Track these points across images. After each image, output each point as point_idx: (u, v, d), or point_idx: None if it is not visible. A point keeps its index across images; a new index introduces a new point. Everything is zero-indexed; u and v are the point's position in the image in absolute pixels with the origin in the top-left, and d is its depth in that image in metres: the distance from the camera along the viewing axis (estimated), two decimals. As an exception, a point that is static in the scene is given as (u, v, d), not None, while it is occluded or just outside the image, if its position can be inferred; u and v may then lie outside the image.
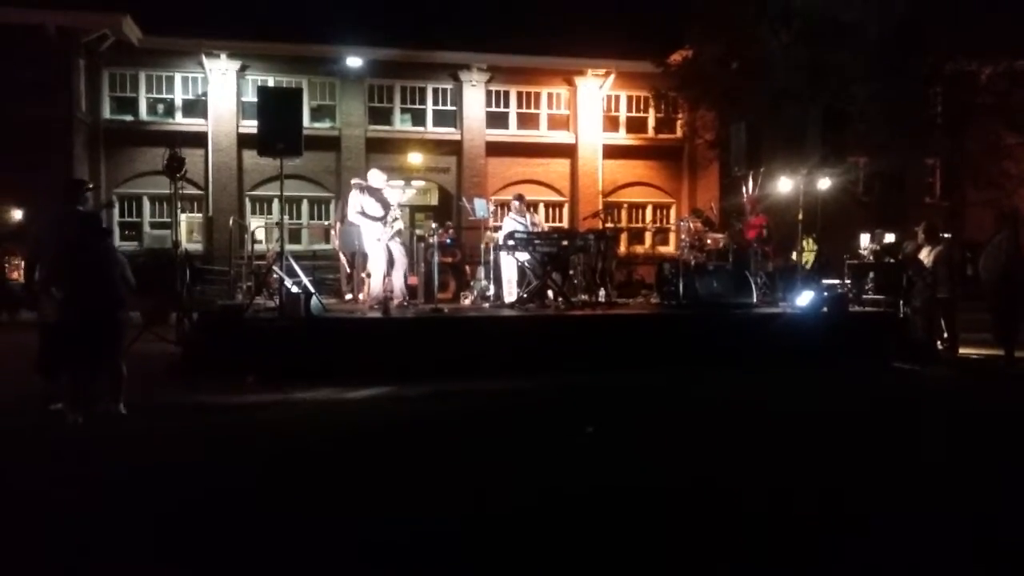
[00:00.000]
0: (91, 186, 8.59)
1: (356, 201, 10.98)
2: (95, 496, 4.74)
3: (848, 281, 11.90)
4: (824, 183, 12.62)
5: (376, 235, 10.80)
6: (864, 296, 11.68)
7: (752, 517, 4.40)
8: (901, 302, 10.78)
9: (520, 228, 11.72)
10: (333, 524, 4.25)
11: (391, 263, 10.90)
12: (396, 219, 11.10)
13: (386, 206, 10.97)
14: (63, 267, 6.67)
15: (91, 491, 4.82)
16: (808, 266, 12.94)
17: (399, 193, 12.18)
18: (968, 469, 5.47)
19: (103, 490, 4.86)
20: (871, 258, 12.49)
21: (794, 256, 12.51)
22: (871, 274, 11.92)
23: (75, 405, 6.57)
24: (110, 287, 6.71)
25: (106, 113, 21.39)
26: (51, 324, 6.85)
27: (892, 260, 11.99)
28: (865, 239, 13.11)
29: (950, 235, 12.25)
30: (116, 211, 20.76)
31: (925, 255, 10.87)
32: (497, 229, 12.63)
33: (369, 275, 11.15)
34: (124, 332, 7.00)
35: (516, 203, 12.36)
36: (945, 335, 10.96)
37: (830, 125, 11.53)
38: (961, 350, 10.98)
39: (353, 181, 11.85)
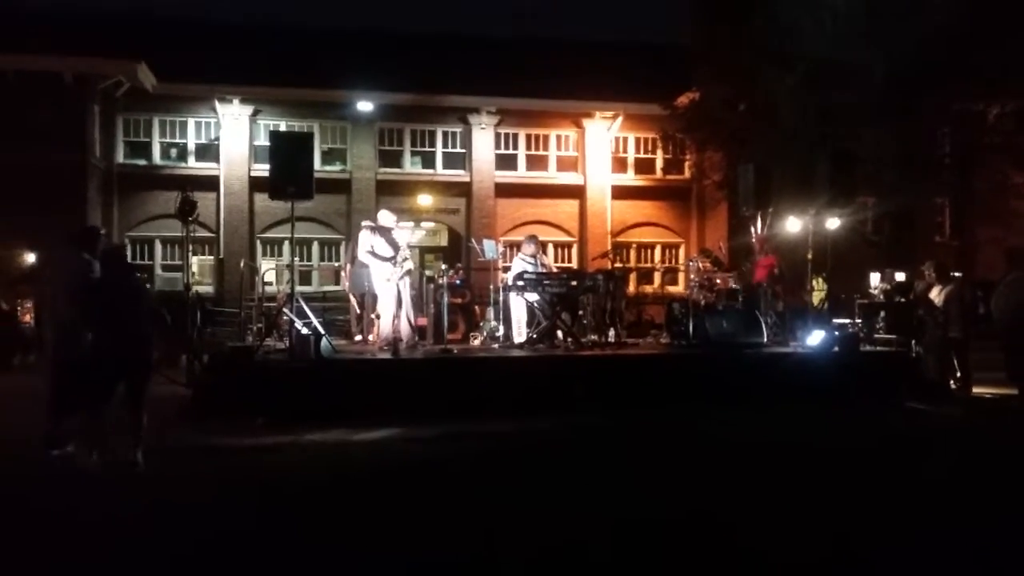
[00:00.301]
0: (103, 232, 8.64)
1: (366, 241, 11.04)
2: (109, 538, 4.73)
3: (859, 320, 11.86)
4: (833, 223, 12.64)
5: (386, 275, 10.83)
6: (875, 336, 11.63)
7: (756, 555, 4.35)
8: (913, 342, 10.73)
9: (529, 268, 11.73)
10: (343, 563, 4.22)
11: (400, 304, 10.91)
12: (406, 259, 11.14)
13: (396, 247, 11.01)
14: (90, 305, 6.62)
15: (105, 533, 4.81)
16: (819, 305, 12.91)
17: (409, 234, 12.25)
18: (977, 509, 5.40)
19: (117, 531, 4.85)
20: (882, 297, 12.47)
21: (804, 296, 12.49)
22: (882, 313, 11.89)
23: (91, 447, 6.55)
24: (138, 325, 6.68)
25: (120, 158, 21.66)
26: (66, 363, 6.83)
27: (903, 299, 11.97)
28: (875, 278, 13.10)
29: (961, 274, 12.20)
30: (128, 254, 20.89)
31: (936, 294, 10.84)
32: (507, 270, 12.64)
33: (379, 316, 11.16)
34: (149, 375, 6.90)
35: (529, 244, 12.31)
36: (958, 374, 10.89)
37: (838, 167, 11.57)
38: (975, 389, 10.89)
39: (364, 223, 11.93)
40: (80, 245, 7.28)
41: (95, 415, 6.57)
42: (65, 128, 19.06)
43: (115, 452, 6.50)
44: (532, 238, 12.53)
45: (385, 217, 11.35)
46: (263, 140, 21.17)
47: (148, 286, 8.11)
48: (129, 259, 7.14)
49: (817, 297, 13.21)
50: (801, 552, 4.51)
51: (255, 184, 21.40)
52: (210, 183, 21.57)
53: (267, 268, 15.92)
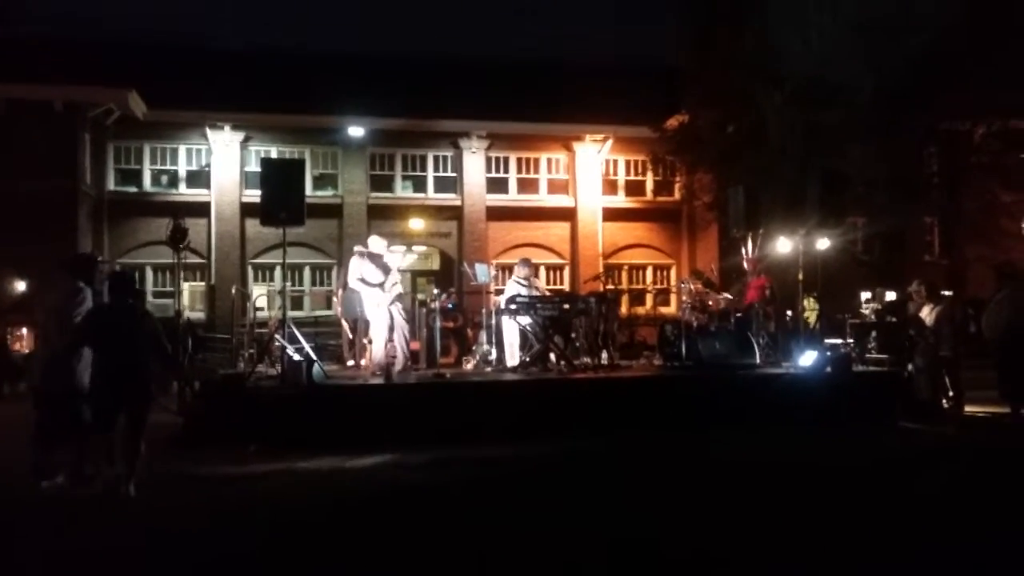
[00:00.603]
0: (100, 258, 8.60)
1: (356, 268, 11.05)
2: (101, 568, 4.68)
3: (851, 341, 11.88)
4: (823, 243, 12.68)
5: (376, 301, 10.83)
6: (867, 355, 11.65)
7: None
8: (909, 363, 10.74)
9: (523, 291, 11.73)
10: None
11: (391, 328, 10.91)
12: (395, 284, 11.15)
13: (386, 271, 11.02)
14: (79, 334, 6.51)
15: (96, 563, 4.75)
16: (813, 325, 12.93)
17: (399, 258, 12.25)
18: (972, 527, 5.39)
19: (107, 561, 4.80)
20: (873, 317, 12.49)
21: (794, 316, 12.50)
22: (873, 333, 11.91)
23: (79, 478, 6.49)
24: (137, 353, 6.50)
25: (110, 185, 21.66)
26: (53, 393, 6.78)
27: (894, 319, 12.00)
28: (866, 298, 13.13)
29: (951, 293, 12.25)
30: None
31: (927, 313, 10.87)
32: (499, 292, 12.64)
33: (371, 341, 11.15)
34: (149, 404, 6.69)
35: (523, 267, 12.29)
36: (950, 393, 10.89)
37: (828, 187, 11.64)
38: (967, 408, 10.89)
39: (355, 248, 11.93)
40: (73, 272, 7.24)
41: (81, 447, 6.49)
42: (55, 156, 19.06)
43: (110, 480, 6.39)
44: (525, 261, 12.53)
45: (375, 243, 11.39)
46: (254, 166, 21.22)
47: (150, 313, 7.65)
48: (136, 285, 7.17)
49: (809, 316, 13.24)
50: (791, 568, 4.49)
51: (246, 210, 21.41)
52: (201, 209, 21.57)
53: (259, 294, 15.90)
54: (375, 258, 11.12)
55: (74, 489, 6.48)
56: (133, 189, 21.83)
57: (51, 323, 6.95)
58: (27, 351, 16.81)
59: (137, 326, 6.62)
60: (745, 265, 13.08)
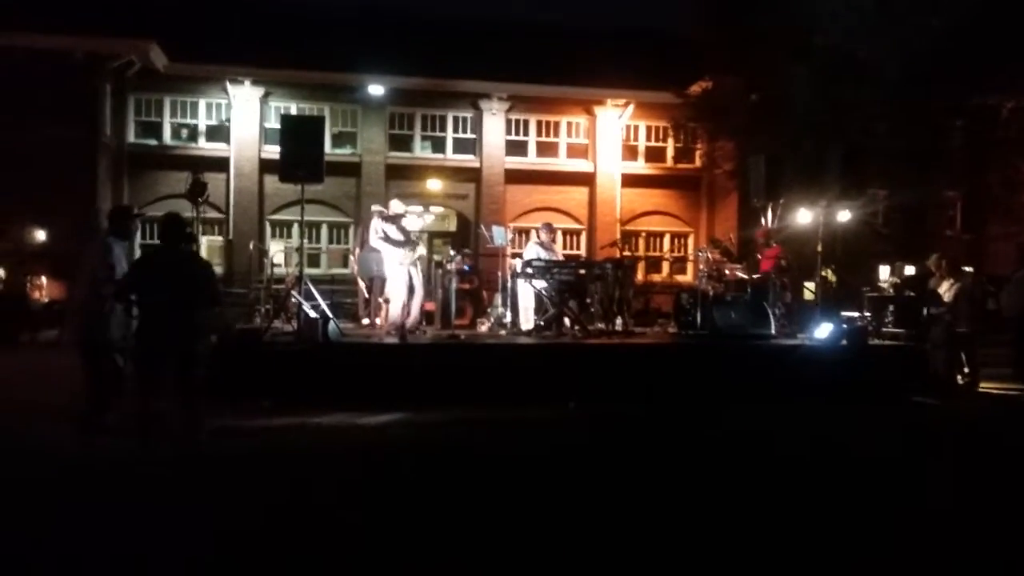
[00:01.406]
0: (136, 211, 8.59)
1: (379, 227, 11.07)
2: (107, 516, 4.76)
3: (868, 314, 11.82)
4: (844, 215, 12.58)
5: (398, 260, 10.87)
6: (883, 329, 11.59)
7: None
8: (923, 336, 10.68)
9: (544, 254, 11.77)
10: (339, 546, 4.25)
11: (411, 289, 10.95)
12: (416, 245, 11.19)
13: (406, 234, 11.05)
14: (135, 281, 6.21)
15: (111, 516, 4.84)
16: (833, 292, 12.83)
17: (419, 221, 12.27)
18: (983, 503, 5.40)
19: (121, 518, 4.88)
20: (891, 291, 12.41)
21: (812, 288, 12.43)
22: (890, 307, 11.83)
23: (94, 427, 6.56)
24: (189, 305, 6.14)
25: (130, 137, 21.68)
26: (87, 347, 6.79)
27: (912, 293, 11.91)
28: (885, 271, 13.03)
29: (972, 269, 12.14)
30: (138, 234, 20.93)
31: (946, 289, 10.79)
32: (516, 256, 12.66)
33: (387, 300, 11.20)
34: (198, 361, 6.23)
35: (545, 231, 12.36)
36: (966, 370, 10.85)
37: (849, 159, 11.50)
38: (982, 385, 10.85)
39: (374, 208, 11.94)
40: (109, 224, 7.29)
41: (141, 405, 6.09)
42: (76, 106, 19.05)
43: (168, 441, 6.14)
44: (548, 225, 12.61)
45: (396, 205, 11.42)
46: (274, 122, 21.18)
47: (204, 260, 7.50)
48: (183, 228, 6.54)
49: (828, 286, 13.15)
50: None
51: (265, 166, 21.42)
52: (220, 164, 21.58)
53: (276, 250, 15.95)
54: (396, 219, 11.14)
55: (87, 436, 6.57)
56: (153, 142, 21.85)
57: (81, 277, 7.01)
58: (47, 300, 16.97)
59: (188, 274, 6.22)
60: (759, 236, 12.96)
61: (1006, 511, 5.31)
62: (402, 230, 11.04)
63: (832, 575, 4.14)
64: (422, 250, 11.44)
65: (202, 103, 22.17)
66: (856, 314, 11.89)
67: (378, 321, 11.88)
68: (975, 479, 6.22)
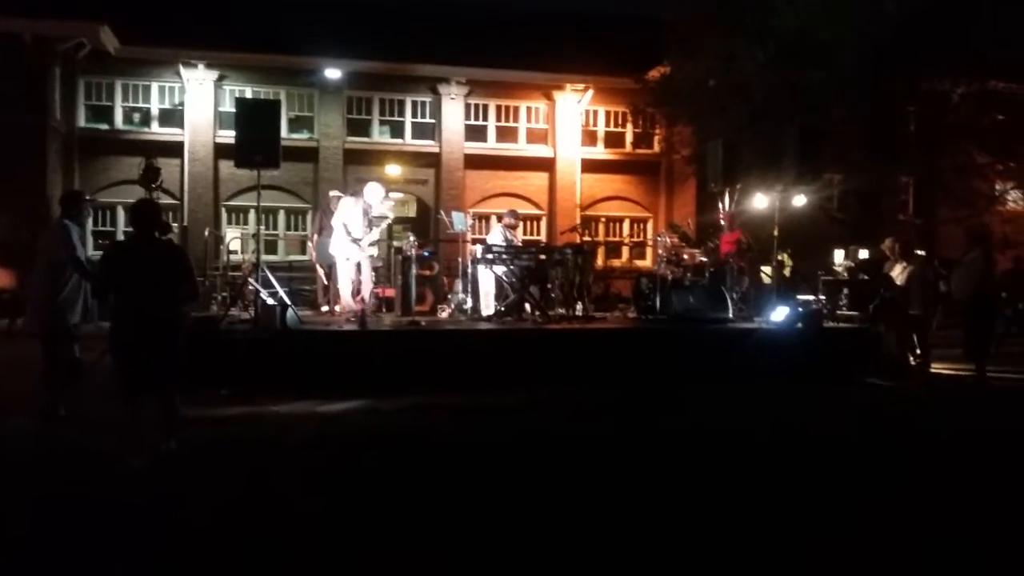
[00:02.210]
0: (87, 196, 8.44)
1: (346, 212, 10.89)
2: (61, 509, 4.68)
3: (822, 297, 12.00)
4: (800, 200, 12.74)
5: (348, 253, 10.77)
6: (838, 312, 11.78)
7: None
8: (877, 319, 10.88)
9: (509, 238, 11.79)
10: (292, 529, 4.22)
11: (358, 275, 10.90)
12: (377, 234, 11.11)
13: (371, 225, 10.96)
14: (108, 275, 5.75)
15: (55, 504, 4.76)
16: (790, 278, 13.04)
17: (386, 209, 12.14)
18: (930, 483, 5.53)
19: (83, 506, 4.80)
20: (845, 275, 12.61)
21: (768, 271, 12.59)
22: (845, 290, 12.04)
23: (51, 416, 6.44)
24: (166, 299, 5.70)
25: (81, 122, 21.21)
26: (43, 335, 6.71)
27: (866, 277, 12.12)
28: (840, 255, 13.23)
29: (924, 252, 12.37)
30: (90, 220, 20.50)
31: (899, 272, 10.99)
32: (476, 241, 12.65)
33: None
34: (175, 354, 5.81)
35: (510, 217, 12.40)
36: (918, 351, 11.07)
37: (806, 143, 11.64)
38: (934, 366, 11.09)
39: (332, 193, 11.84)
40: (61, 209, 7.15)
41: (128, 406, 5.64)
42: (24, 90, 18.61)
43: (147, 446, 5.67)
44: (513, 212, 12.67)
45: (373, 191, 11.13)
46: (229, 106, 20.87)
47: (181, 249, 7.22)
48: (158, 215, 5.96)
49: (785, 272, 13.35)
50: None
51: (220, 151, 21.10)
52: (174, 149, 21.23)
53: (232, 237, 15.70)
54: (367, 207, 10.99)
55: (45, 427, 6.47)
56: (104, 126, 21.40)
57: (39, 263, 6.87)
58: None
59: (168, 266, 5.77)
60: (721, 220, 13.10)
61: (953, 489, 5.43)
62: (369, 220, 10.92)
63: (787, 548, 4.20)
64: (375, 237, 11.32)
65: (155, 87, 21.76)
66: (811, 297, 12.06)
67: (337, 308, 11.79)
68: (926, 458, 6.36)
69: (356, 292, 10.89)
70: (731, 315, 11.20)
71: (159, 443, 5.72)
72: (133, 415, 5.61)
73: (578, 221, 21.42)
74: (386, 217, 11.34)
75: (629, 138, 24.83)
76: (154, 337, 5.62)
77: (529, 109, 24.17)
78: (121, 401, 5.70)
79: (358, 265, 10.87)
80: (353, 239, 10.74)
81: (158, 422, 5.78)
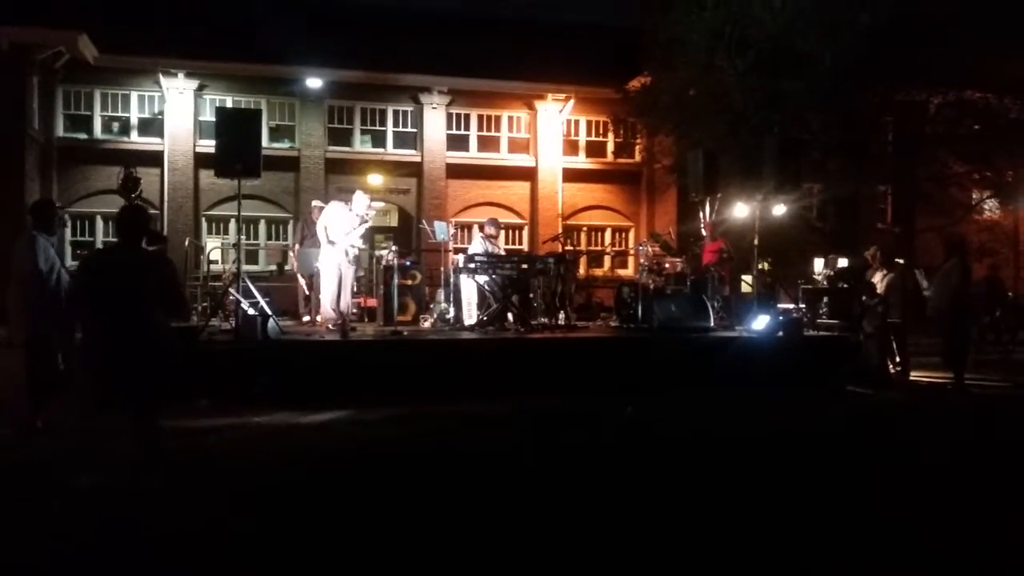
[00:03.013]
0: (59, 205, 8.36)
1: (329, 218, 10.90)
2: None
3: (803, 305, 12.08)
4: (779, 209, 12.83)
5: (331, 259, 10.76)
6: (818, 320, 11.86)
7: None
8: (857, 327, 10.96)
9: (490, 248, 11.80)
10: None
11: (340, 286, 10.88)
12: (354, 251, 11.08)
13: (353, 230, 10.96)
14: (81, 290, 5.35)
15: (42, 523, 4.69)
16: (770, 285, 13.11)
17: (368, 217, 12.12)
18: (910, 487, 5.57)
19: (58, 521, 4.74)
20: (825, 283, 12.69)
21: (749, 280, 12.65)
22: (825, 299, 12.12)
23: (28, 429, 6.33)
24: (136, 320, 5.14)
25: (59, 131, 21.03)
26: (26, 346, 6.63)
27: (845, 285, 12.20)
28: (819, 264, 13.32)
29: (903, 261, 12.49)
30: (68, 230, 20.36)
31: (878, 280, 11.09)
32: (459, 251, 12.64)
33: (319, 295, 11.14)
34: (154, 371, 5.21)
35: (491, 226, 12.40)
36: (897, 359, 11.17)
37: (785, 152, 11.73)
38: (913, 374, 11.18)
39: (314, 203, 11.82)
40: (32, 220, 7.06)
41: (87, 420, 5.34)
42: (1, 99, 18.41)
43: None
44: (494, 221, 12.67)
45: (359, 200, 11.17)
46: (209, 115, 20.77)
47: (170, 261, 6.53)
48: (145, 222, 5.59)
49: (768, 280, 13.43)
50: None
51: (200, 160, 20.98)
52: (154, 159, 21.09)
53: (212, 247, 15.65)
54: (350, 214, 10.97)
55: (21, 439, 6.39)
56: (83, 136, 21.23)
57: (15, 274, 6.79)
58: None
59: (146, 277, 5.22)
60: (703, 230, 13.16)
61: (936, 496, 5.47)
62: (351, 225, 10.91)
63: (770, 555, 4.22)
64: (357, 248, 11.29)
65: (134, 96, 21.62)
66: (791, 306, 12.14)
67: (319, 318, 11.75)
68: (907, 466, 6.40)
69: (336, 302, 10.86)
70: (712, 324, 11.25)
71: (139, 474, 5.17)
72: (88, 429, 5.27)
73: (560, 230, 21.45)
74: (366, 222, 11.31)
75: (610, 147, 24.92)
76: (128, 355, 5.09)
77: (511, 118, 24.21)
78: (81, 414, 5.38)
79: (339, 275, 10.84)
80: (330, 240, 10.75)
81: (135, 450, 5.26)
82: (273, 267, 19.48)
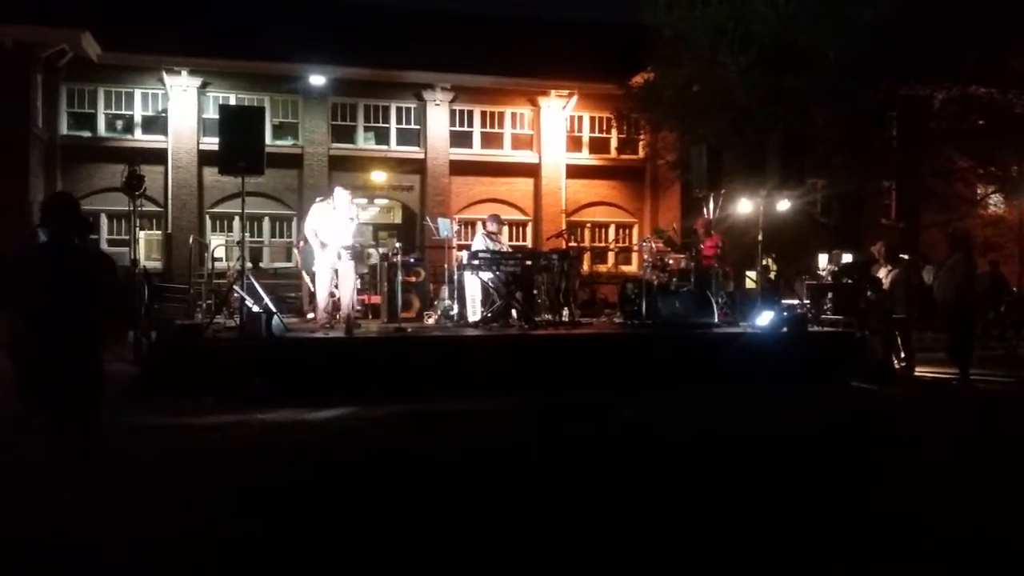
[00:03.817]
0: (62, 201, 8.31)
1: (315, 219, 10.95)
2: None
3: (807, 301, 12.05)
4: (783, 205, 12.80)
5: (324, 261, 10.81)
6: (823, 316, 11.84)
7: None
8: (861, 322, 10.94)
9: (492, 245, 11.78)
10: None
11: (335, 284, 10.92)
12: (352, 238, 11.09)
13: (343, 226, 10.97)
14: (21, 284, 4.62)
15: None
16: (775, 281, 13.08)
17: (356, 211, 12.14)
18: (918, 483, 5.56)
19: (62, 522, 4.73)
20: (829, 279, 12.67)
21: (753, 276, 12.64)
22: (829, 294, 12.09)
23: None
24: (78, 319, 4.65)
25: (63, 129, 21.07)
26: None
27: (850, 280, 12.18)
28: (824, 260, 13.29)
29: (908, 256, 12.46)
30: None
31: (884, 275, 11.07)
32: (462, 248, 12.63)
33: (331, 295, 11.13)
34: (95, 390, 4.81)
35: (493, 223, 12.38)
36: (902, 355, 11.15)
37: (789, 148, 11.70)
38: (917, 369, 11.16)
39: (318, 199, 11.82)
40: (41, 217, 6.99)
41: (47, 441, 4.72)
42: (5, 97, 18.42)
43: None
44: (495, 217, 12.62)
45: (340, 196, 11.21)
46: (212, 113, 20.78)
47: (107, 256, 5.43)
48: (77, 212, 4.91)
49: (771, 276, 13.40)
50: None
51: (204, 158, 20.99)
52: (157, 156, 21.12)
53: (216, 244, 15.66)
54: (335, 212, 11.00)
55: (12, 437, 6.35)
56: (87, 134, 21.27)
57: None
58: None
59: (83, 274, 4.70)
60: (697, 227, 13.09)
61: (941, 491, 5.47)
62: (340, 223, 10.93)
63: (772, 552, 4.22)
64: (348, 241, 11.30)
65: (138, 93, 21.65)
66: (796, 301, 12.12)
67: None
68: (912, 461, 6.39)
69: (333, 301, 10.90)
70: (716, 320, 11.24)
71: (63, 492, 4.61)
72: (52, 452, 4.69)
73: (564, 227, 21.42)
74: (353, 220, 11.33)
75: (614, 144, 24.89)
76: (67, 362, 4.61)
77: (514, 115, 24.20)
78: (38, 435, 4.80)
79: (332, 277, 10.89)
80: (320, 241, 10.78)
81: (73, 466, 4.74)
82: (277, 265, 19.54)
